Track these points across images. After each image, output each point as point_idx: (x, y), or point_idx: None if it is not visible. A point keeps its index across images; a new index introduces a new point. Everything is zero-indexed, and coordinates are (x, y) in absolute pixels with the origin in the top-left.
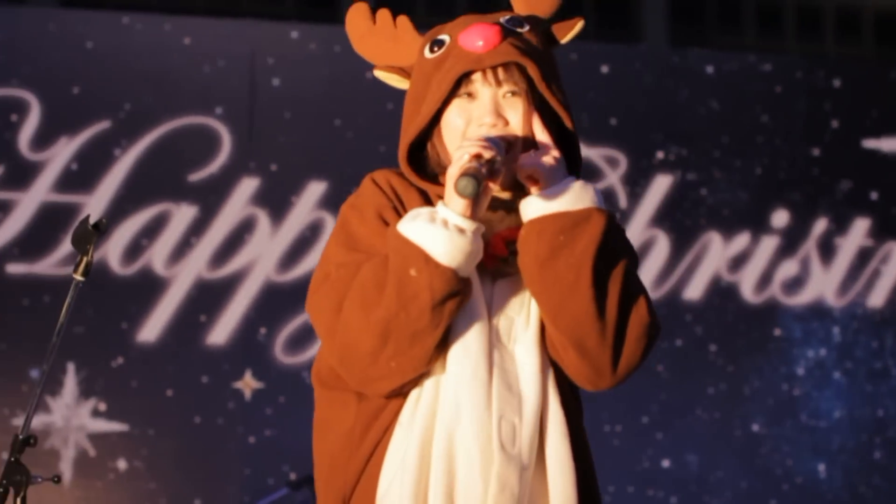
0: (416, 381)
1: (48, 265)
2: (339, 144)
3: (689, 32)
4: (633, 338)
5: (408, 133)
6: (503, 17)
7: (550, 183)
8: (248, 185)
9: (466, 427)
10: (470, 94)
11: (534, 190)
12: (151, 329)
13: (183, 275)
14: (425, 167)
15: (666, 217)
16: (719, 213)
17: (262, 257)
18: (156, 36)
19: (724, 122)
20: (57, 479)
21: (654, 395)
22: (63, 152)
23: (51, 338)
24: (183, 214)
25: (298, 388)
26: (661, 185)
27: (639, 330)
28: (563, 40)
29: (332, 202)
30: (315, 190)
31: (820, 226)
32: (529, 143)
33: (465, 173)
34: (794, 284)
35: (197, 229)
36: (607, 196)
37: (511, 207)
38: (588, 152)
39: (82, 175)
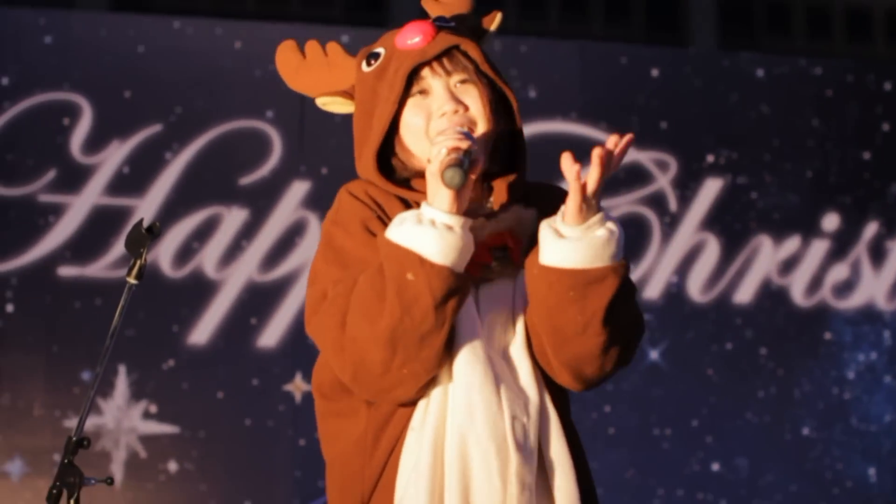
0: (427, 386)
1: (100, 268)
2: None
3: (738, 35)
4: (625, 361)
5: (369, 143)
6: (431, 18)
7: (575, 220)
8: (298, 189)
9: (481, 428)
10: (423, 92)
11: (562, 224)
12: (202, 332)
13: (234, 278)
14: (393, 176)
15: (716, 221)
16: (770, 217)
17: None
18: (207, 40)
19: (775, 125)
20: (110, 481)
21: (704, 399)
22: (115, 156)
23: (102, 340)
24: (234, 217)
25: None
26: (711, 189)
27: (631, 355)
28: (491, 28)
29: None
30: None
31: (871, 229)
32: (492, 126)
33: (450, 164)
34: (845, 288)
35: (248, 232)
36: (657, 200)
37: (491, 214)
38: (638, 156)
39: (134, 178)
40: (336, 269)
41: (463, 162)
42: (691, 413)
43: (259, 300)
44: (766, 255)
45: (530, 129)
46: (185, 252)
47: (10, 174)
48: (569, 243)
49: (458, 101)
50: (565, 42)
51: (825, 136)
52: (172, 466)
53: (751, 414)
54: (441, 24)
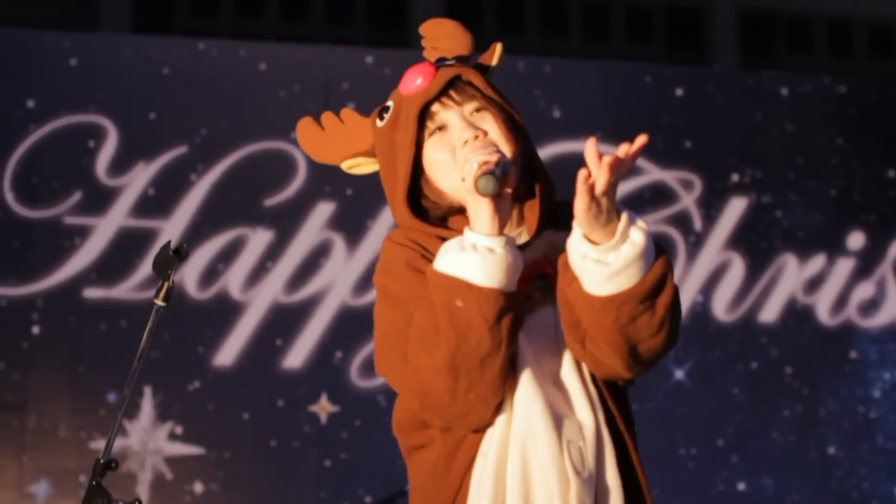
0: (497, 411)
1: (125, 290)
2: None
3: (759, 53)
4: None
5: (398, 190)
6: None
7: (590, 226)
8: (323, 210)
9: (542, 453)
10: (441, 128)
11: (596, 250)
12: (228, 353)
13: (259, 299)
14: (428, 218)
15: (741, 239)
16: (794, 236)
17: (338, 281)
18: (231, 62)
19: (799, 144)
20: (138, 503)
21: (730, 418)
22: (140, 177)
23: (128, 362)
24: (259, 239)
25: (373, 412)
26: (736, 208)
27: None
28: (493, 62)
29: None
30: (390, 214)
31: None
32: (514, 147)
33: (483, 173)
34: (871, 306)
35: (273, 253)
36: (682, 219)
37: (524, 244)
38: (663, 175)
39: (159, 200)
40: (393, 311)
41: (495, 170)
42: (717, 432)
43: (284, 321)
44: (791, 274)
45: (555, 148)
46: (211, 273)
47: (36, 196)
48: (618, 261)
49: (477, 128)
50: (589, 62)
51: (849, 155)
52: (198, 488)
53: (776, 433)
54: (440, 64)
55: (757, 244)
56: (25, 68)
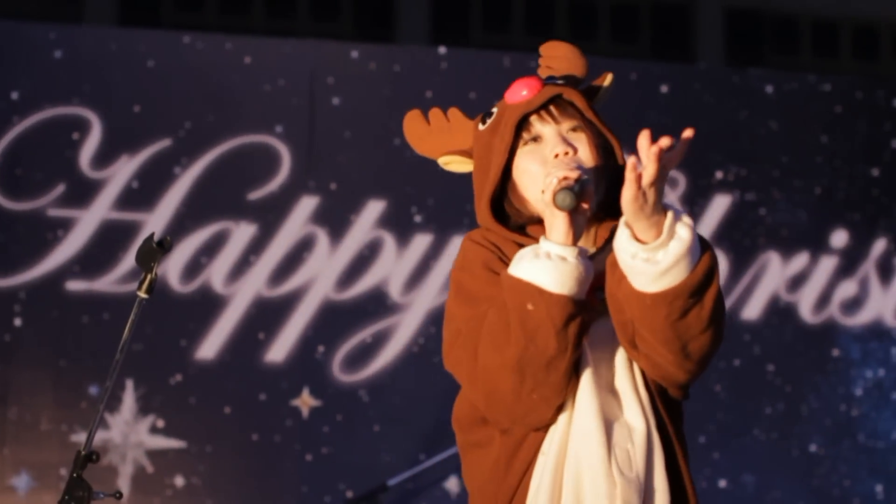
0: (558, 412)
1: (108, 282)
2: (398, 163)
3: (745, 51)
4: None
5: (484, 192)
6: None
7: (636, 216)
8: (307, 204)
9: (592, 453)
10: (535, 139)
11: (645, 249)
12: (210, 346)
13: (242, 293)
14: (508, 223)
15: (725, 237)
16: (778, 234)
17: (321, 276)
18: (216, 55)
19: (784, 142)
20: (119, 496)
21: (712, 415)
22: (124, 170)
23: (110, 355)
24: (242, 232)
25: (356, 407)
26: (719, 205)
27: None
28: (604, 85)
29: (390, 221)
30: (374, 209)
31: (879, 246)
32: (600, 172)
33: (562, 188)
34: (853, 305)
35: (256, 247)
36: None
37: (592, 256)
38: None
39: (143, 193)
40: (467, 308)
41: (574, 186)
42: (698, 429)
43: (267, 315)
44: (774, 272)
45: None
46: (194, 267)
47: (19, 188)
48: (667, 258)
49: (569, 144)
50: None
51: (834, 153)
52: (179, 481)
53: (758, 430)
54: (548, 81)
55: (741, 242)
56: (9, 60)
